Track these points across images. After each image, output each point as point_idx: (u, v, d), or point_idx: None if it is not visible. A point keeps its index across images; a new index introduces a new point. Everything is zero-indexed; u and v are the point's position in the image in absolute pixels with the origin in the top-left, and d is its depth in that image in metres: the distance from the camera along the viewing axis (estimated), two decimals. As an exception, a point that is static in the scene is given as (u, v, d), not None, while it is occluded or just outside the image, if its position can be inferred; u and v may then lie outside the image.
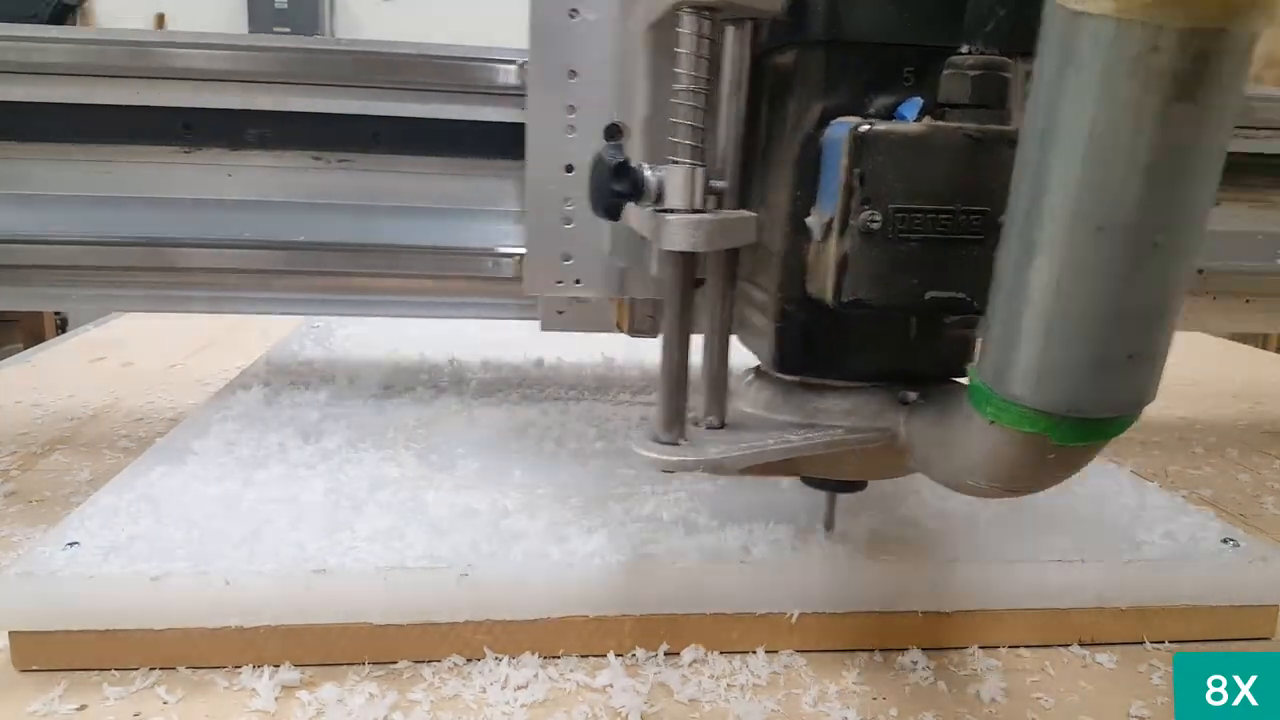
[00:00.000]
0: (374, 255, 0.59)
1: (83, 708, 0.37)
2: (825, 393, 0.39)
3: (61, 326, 2.50)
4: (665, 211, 0.35)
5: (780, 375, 0.39)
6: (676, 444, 0.38)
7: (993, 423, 0.31)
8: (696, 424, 0.40)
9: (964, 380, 0.35)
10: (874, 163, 0.33)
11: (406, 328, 0.91)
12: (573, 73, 0.47)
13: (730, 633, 0.42)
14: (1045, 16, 0.27)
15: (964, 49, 0.34)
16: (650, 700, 0.38)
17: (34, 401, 0.78)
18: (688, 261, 0.37)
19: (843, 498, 0.45)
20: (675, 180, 0.36)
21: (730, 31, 0.36)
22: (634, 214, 0.37)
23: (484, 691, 0.38)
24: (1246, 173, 0.68)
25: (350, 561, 0.40)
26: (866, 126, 0.33)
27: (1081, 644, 0.44)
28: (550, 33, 0.47)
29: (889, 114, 0.35)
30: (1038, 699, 0.40)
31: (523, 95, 0.52)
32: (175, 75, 0.57)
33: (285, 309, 0.65)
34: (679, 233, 0.35)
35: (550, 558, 0.42)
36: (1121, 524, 0.48)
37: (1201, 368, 1.07)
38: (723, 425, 0.40)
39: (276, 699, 0.37)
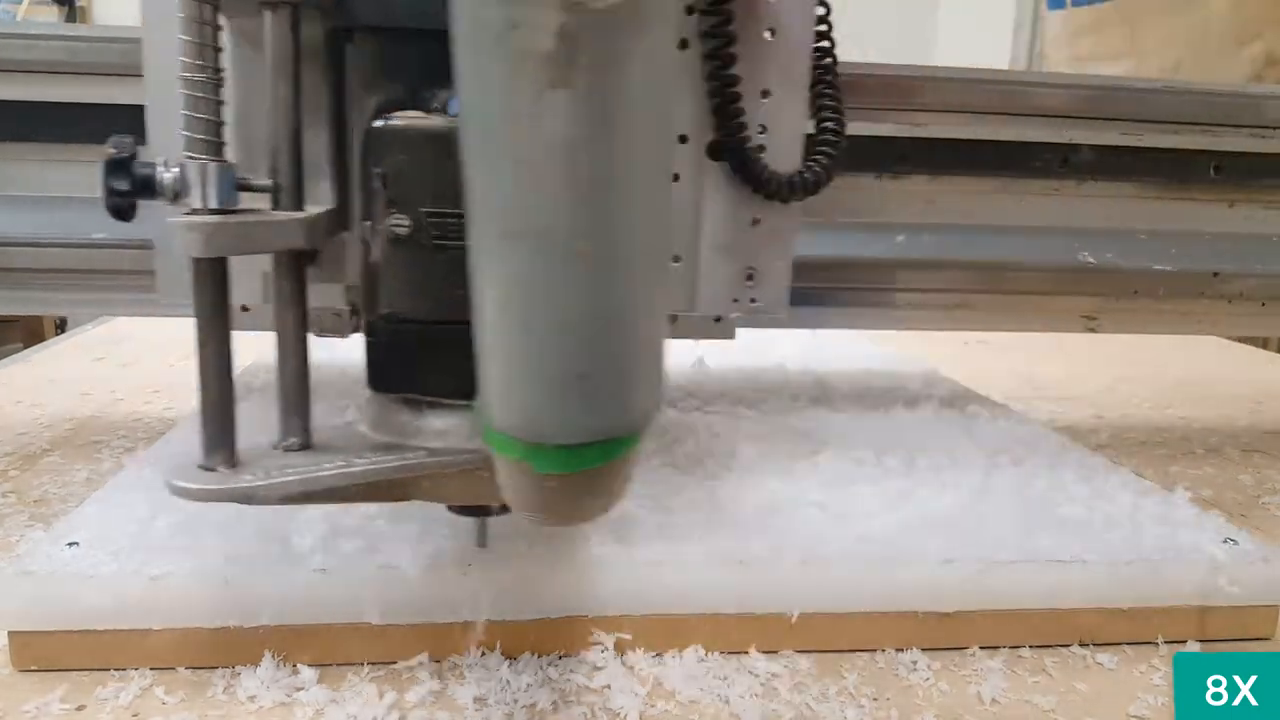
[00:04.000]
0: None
1: (81, 708, 0.36)
2: (426, 411, 0.35)
3: (61, 326, 2.50)
4: (193, 213, 0.32)
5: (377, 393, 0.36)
6: (213, 470, 0.34)
7: (494, 449, 0.27)
8: (276, 447, 0.36)
9: None
10: (397, 161, 0.30)
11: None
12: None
13: (730, 633, 0.42)
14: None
15: None
16: (650, 700, 0.38)
17: (33, 401, 0.77)
18: (210, 268, 0.33)
19: (840, 496, 0.47)
20: (190, 177, 0.32)
21: (267, 15, 0.33)
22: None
23: (484, 692, 0.38)
24: (1261, 174, 0.67)
25: (351, 561, 0.40)
26: (381, 122, 0.31)
27: (1082, 644, 0.44)
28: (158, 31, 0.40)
29: (440, 108, 0.32)
30: (1038, 699, 0.39)
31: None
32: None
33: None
34: (181, 236, 0.31)
35: (550, 558, 0.42)
36: (1122, 524, 0.48)
37: (1201, 368, 1.07)
38: (306, 447, 0.36)
39: (275, 699, 0.37)
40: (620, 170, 0.23)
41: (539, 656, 0.40)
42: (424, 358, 0.33)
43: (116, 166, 0.32)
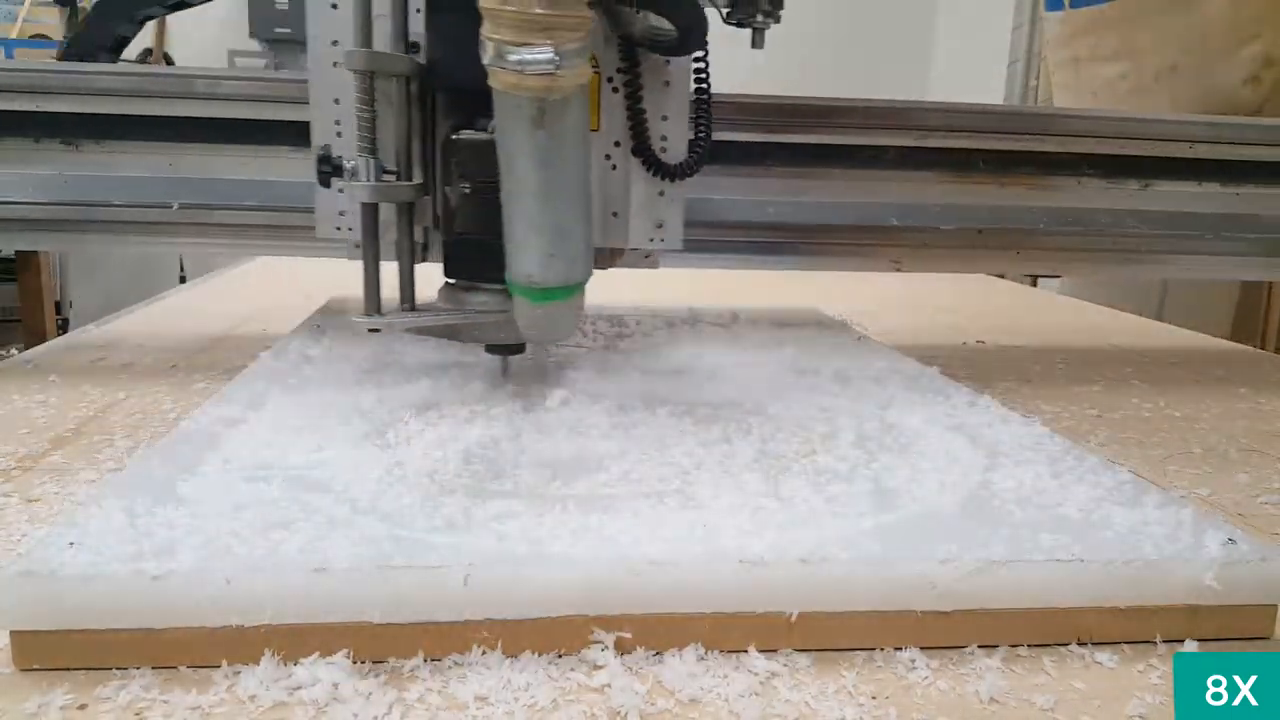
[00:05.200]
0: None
1: (83, 707, 0.37)
2: (473, 291, 0.66)
3: (63, 327, 2.50)
4: (355, 182, 0.60)
5: (452, 282, 0.67)
6: (372, 316, 0.63)
7: (515, 296, 0.60)
8: (399, 308, 0.65)
9: None
10: (461, 155, 0.62)
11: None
12: (337, 100, 0.68)
13: (730, 632, 0.42)
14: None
15: None
16: (649, 699, 0.38)
17: (34, 401, 0.78)
18: (370, 210, 0.62)
19: (839, 493, 0.49)
20: (360, 165, 0.60)
21: (393, 81, 0.62)
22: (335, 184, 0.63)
23: (485, 691, 0.38)
24: (1021, 164, 0.99)
25: (351, 560, 0.40)
26: (454, 136, 0.62)
27: (1080, 643, 0.44)
28: (322, 75, 0.68)
29: (488, 130, 0.60)
30: (1037, 698, 0.40)
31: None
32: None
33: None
34: (360, 192, 0.61)
35: (552, 556, 0.42)
36: (1120, 523, 0.48)
37: (1200, 367, 1.08)
38: (413, 309, 0.65)
39: (276, 698, 0.37)
40: (564, 162, 0.55)
41: (539, 655, 0.41)
42: (475, 258, 0.64)
43: (325, 159, 0.62)
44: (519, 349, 0.69)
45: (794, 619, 0.42)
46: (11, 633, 0.39)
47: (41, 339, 1.85)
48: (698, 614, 0.42)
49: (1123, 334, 1.29)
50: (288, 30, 3.41)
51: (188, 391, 0.81)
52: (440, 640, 0.40)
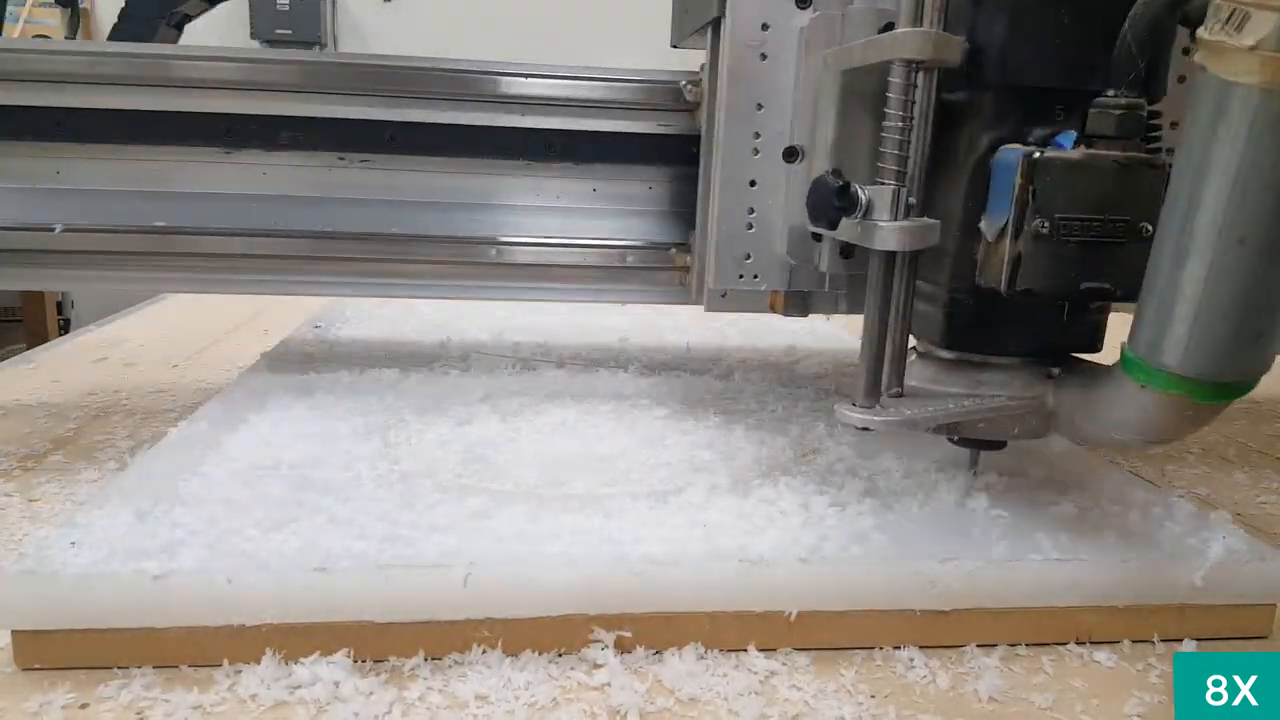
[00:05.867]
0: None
1: (85, 706, 0.37)
2: (983, 368, 0.47)
3: (64, 327, 2.51)
4: (877, 221, 0.44)
5: (943, 354, 0.48)
6: (873, 408, 0.46)
7: (1143, 387, 0.40)
8: (888, 393, 0.47)
9: (1089, 357, 0.47)
10: (1043, 181, 0.42)
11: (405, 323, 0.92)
12: (760, 105, 0.53)
13: (729, 631, 0.42)
14: (1199, 81, 0.35)
15: (1109, 93, 0.42)
16: (649, 698, 0.38)
17: (36, 401, 0.78)
18: (890, 259, 0.45)
19: (839, 493, 0.49)
20: (884, 197, 0.44)
21: (920, 77, 0.43)
22: (842, 224, 0.46)
23: (485, 690, 0.38)
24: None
25: (352, 560, 0.41)
26: (1038, 153, 0.42)
27: (1079, 642, 0.44)
28: (742, 72, 0.53)
29: (1045, 143, 0.43)
30: (1035, 697, 0.40)
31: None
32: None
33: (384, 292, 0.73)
34: (890, 236, 0.44)
35: (551, 556, 0.42)
36: (1120, 523, 0.48)
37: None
38: (902, 394, 0.47)
39: (277, 697, 0.37)
40: None
41: (540, 654, 0.41)
42: (1003, 324, 0.46)
43: (844, 190, 0.44)
44: (1001, 444, 0.51)
45: (793, 618, 0.42)
46: (13, 632, 0.39)
47: (43, 339, 1.85)
48: (697, 613, 0.42)
49: (1121, 334, 1.29)
50: (288, 31, 3.40)
51: (189, 392, 0.81)
52: (440, 639, 0.40)
